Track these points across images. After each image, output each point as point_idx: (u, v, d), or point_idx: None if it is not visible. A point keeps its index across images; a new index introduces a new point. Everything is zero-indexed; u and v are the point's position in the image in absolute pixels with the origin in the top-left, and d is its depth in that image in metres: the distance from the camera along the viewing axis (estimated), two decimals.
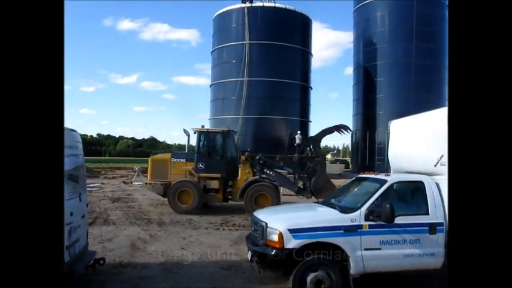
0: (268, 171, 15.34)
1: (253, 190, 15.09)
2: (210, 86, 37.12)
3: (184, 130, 17.37)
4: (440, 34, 35.28)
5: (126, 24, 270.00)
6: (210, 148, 16.14)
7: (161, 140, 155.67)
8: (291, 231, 6.16)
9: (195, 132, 16.43)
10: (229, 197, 15.99)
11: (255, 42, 32.00)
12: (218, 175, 15.46)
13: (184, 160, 16.10)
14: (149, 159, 16.78)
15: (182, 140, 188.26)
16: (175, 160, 16.09)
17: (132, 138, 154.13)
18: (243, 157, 15.95)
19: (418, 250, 6.49)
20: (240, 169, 16.06)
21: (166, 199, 15.66)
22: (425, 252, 6.52)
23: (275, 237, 6.20)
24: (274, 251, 6.19)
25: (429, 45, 33.84)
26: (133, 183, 25.47)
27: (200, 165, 15.67)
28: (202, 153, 15.96)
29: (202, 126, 17.13)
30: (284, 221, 6.48)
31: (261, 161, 15.44)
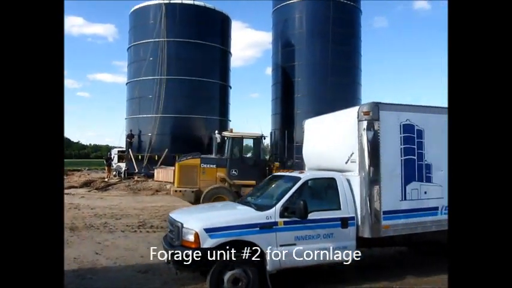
0: None
1: None
2: (127, 84, 36.01)
3: (213, 134, 17.17)
4: (355, 37, 37.06)
5: None
6: (243, 154, 15.76)
7: (75, 141, 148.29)
8: (207, 230, 6.12)
9: (225, 138, 16.07)
10: None
11: (172, 40, 31.48)
12: (253, 182, 14.24)
13: (214, 166, 15.47)
14: (177, 164, 16.06)
15: (98, 141, 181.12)
16: (205, 166, 15.49)
17: None
18: (276, 164, 15.59)
19: (331, 244, 6.73)
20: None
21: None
22: (338, 246, 6.79)
23: (191, 238, 6.13)
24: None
25: (344, 48, 35.34)
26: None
27: (233, 172, 15.18)
28: (235, 159, 15.52)
29: (231, 130, 16.72)
30: (200, 220, 6.43)
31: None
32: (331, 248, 6.74)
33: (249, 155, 16.93)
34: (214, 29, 34.63)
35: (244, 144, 16.33)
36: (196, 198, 14.92)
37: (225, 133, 16.49)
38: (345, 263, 7.06)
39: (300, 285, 7.04)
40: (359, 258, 7.29)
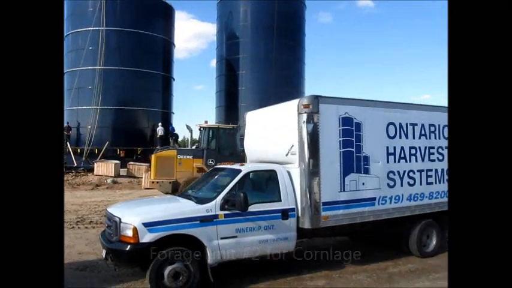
0: None
1: None
2: (65, 74, 34.58)
3: (187, 126, 17.22)
4: (299, 31, 37.56)
5: None
6: (220, 144, 15.82)
7: None
8: (146, 225, 5.99)
9: (200, 128, 16.04)
10: None
11: (113, 28, 30.47)
12: None
13: (191, 157, 15.56)
14: (153, 156, 16.04)
15: None
16: (181, 157, 15.57)
17: None
18: None
19: (272, 235, 6.81)
20: None
21: None
22: (279, 237, 6.87)
23: (129, 232, 5.98)
24: (129, 246, 5.97)
25: (288, 42, 35.76)
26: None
27: (210, 162, 15.26)
28: (212, 149, 15.65)
29: (206, 122, 16.65)
30: (138, 215, 6.28)
31: None
32: (272, 239, 6.82)
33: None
34: (157, 19, 33.84)
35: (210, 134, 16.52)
36: (174, 189, 15.11)
37: (202, 124, 16.56)
38: (286, 254, 7.18)
39: (242, 277, 7.06)
40: (300, 249, 7.45)
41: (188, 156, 15.94)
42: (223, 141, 16.38)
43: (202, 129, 16.52)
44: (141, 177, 21.82)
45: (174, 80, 36.84)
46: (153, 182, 15.93)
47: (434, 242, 8.68)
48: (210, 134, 16.23)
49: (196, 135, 17.63)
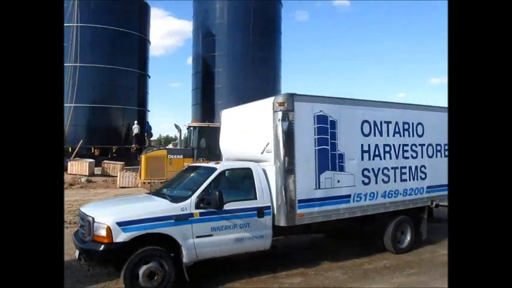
0: None
1: None
2: None
3: (175, 125, 17.10)
4: (275, 29, 37.62)
5: None
6: (210, 143, 15.68)
7: None
8: (120, 224, 5.91)
9: (188, 128, 16.09)
10: None
11: (87, 25, 29.93)
12: None
13: (181, 156, 15.48)
14: (143, 156, 15.91)
15: None
16: (172, 157, 15.49)
17: None
18: None
19: (248, 234, 6.80)
20: None
21: None
22: (255, 235, 6.87)
23: (103, 232, 5.89)
24: (102, 246, 5.88)
25: (265, 39, 35.75)
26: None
27: (201, 160, 14.83)
28: (202, 148, 15.71)
29: (194, 121, 16.46)
30: (112, 214, 6.19)
31: None
32: (248, 237, 6.81)
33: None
34: (132, 16, 33.39)
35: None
36: None
37: (191, 123, 16.75)
38: (262, 252, 7.18)
39: (218, 276, 7.03)
40: (276, 246, 7.46)
41: (178, 156, 15.92)
42: (213, 140, 16.43)
43: (191, 128, 16.49)
44: (116, 176, 21.54)
45: (149, 77, 36.47)
46: (144, 183, 15.79)
47: (408, 238, 8.81)
48: (200, 133, 16.30)
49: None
